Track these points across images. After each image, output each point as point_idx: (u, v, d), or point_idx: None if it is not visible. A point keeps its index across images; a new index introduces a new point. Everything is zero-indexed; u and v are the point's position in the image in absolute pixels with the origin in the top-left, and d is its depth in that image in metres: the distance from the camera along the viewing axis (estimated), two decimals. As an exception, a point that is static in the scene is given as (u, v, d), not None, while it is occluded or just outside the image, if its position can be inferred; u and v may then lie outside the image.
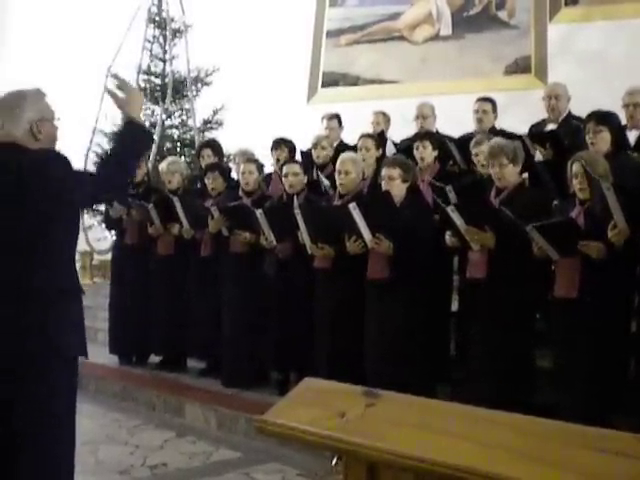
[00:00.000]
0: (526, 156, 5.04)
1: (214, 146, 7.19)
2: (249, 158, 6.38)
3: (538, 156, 5.52)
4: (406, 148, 6.18)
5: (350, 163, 5.45)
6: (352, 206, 4.95)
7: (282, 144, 6.69)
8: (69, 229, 2.95)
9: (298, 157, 6.80)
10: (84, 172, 3.14)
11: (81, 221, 3.18)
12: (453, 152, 6.07)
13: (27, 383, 2.75)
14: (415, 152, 5.82)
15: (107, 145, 10.50)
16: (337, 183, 5.53)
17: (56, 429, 2.82)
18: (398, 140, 6.84)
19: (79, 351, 2.92)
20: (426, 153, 5.80)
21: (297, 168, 5.94)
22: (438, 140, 6.01)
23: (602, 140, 4.91)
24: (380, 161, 5.89)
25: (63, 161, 2.86)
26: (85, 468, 4.18)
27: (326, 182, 6.16)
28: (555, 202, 4.82)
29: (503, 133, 5.85)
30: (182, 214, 6.46)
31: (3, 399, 2.77)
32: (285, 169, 5.94)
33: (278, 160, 6.59)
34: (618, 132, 5.04)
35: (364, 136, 6.16)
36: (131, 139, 3.02)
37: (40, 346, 2.76)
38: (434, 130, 6.62)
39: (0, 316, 2.76)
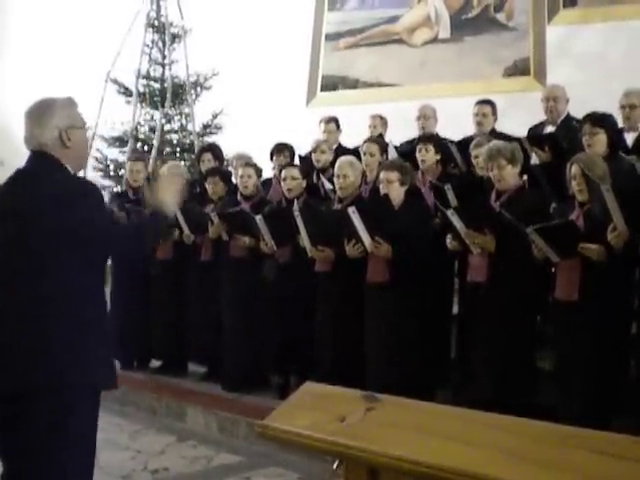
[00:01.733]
0: (525, 159, 5.04)
1: (214, 150, 7.19)
2: (247, 162, 6.38)
3: (534, 159, 5.53)
4: (408, 151, 6.17)
5: (348, 167, 5.46)
6: (351, 210, 4.96)
7: (284, 149, 6.70)
8: (93, 261, 2.87)
9: (296, 161, 6.81)
10: (108, 219, 3.06)
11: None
12: (454, 155, 6.07)
13: (34, 424, 2.70)
14: (417, 154, 5.82)
15: (106, 150, 10.51)
16: (336, 187, 5.54)
17: (71, 463, 2.79)
18: (397, 143, 6.84)
19: (106, 384, 2.87)
20: (428, 156, 5.79)
21: (295, 172, 5.94)
22: (441, 143, 6.02)
23: (598, 142, 4.92)
24: (381, 165, 5.91)
25: (88, 198, 2.81)
26: (86, 473, 4.17)
27: (328, 185, 6.16)
28: (553, 205, 4.82)
29: (503, 136, 5.86)
30: (182, 221, 6.45)
31: (16, 430, 2.72)
32: (284, 173, 5.94)
33: (280, 165, 6.58)
34: (614, 134, 5.05)
35: (368, 141, 6.15)
36: (152, 231, 3.04)
37: (48, 384, 2.70)
38: (435, 132, 6.62)
39: (22, 349, 2.71)
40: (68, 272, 2.75)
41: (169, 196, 3.00)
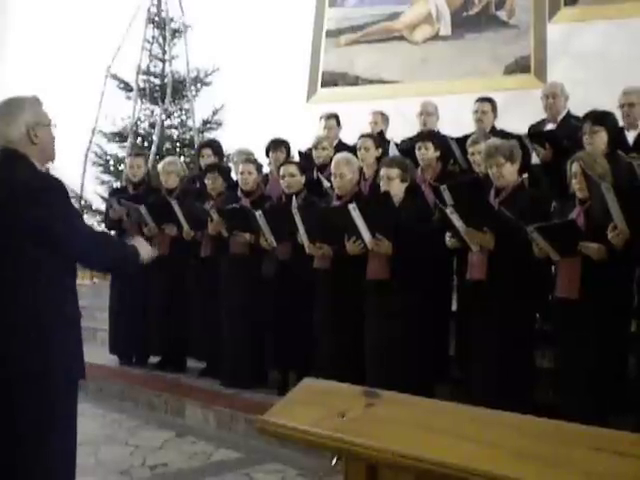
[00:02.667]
0: (525, 156, 5.04)
1: (214, 146, 7.20)
2: (248, 158, 6.38)
3: (535, 158, 5.53)
4: (408, 149, 6.17)
5: (344, 165, 5.45)
6: (352, 206, 4.95)
7: (281, 145, 6.70)
8: (65, 258, 2.94)
9: (296, 158, 6.81)
10: (70, 216, 2.99)
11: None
12: (454, 151, 6.07)
13: (26, 407, 2.79)
14: (417, 152, 5.82)
15: (106, 146, 10.51)
16: (334, 185, 5.54)
17: (54, 451, 2.86)
18: (398, 140, 6.84)
19: (78, 374, 2.96)
20: (428, 153, 5.79)
21: (294, 169, 5.93)
22: (440, 140, 6.01)
23: (599, 140, 4.92)
24: (380, 161, 5.90)
25: (51, 193, 2.86)
26: (85, 468, 4.17)
27: (327, 183, 6.16)
28: (554, 203, 4.82)
29: (503, 133, 5.86)
30: (182, 217, 6.45)
31: (5, 415, 2.81)
32: (282, 170, 5.93)
33: (277, 161, 6.60)
34: (615, 132, 5.05)
35: (363, 136, 6.15)
36: (122, 252, 3.15)
37: (40, 371, 2.80)
38: (436, 129, 6.62)
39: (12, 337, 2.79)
40: (37, 268, 2.82)
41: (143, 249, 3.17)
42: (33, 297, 2.81)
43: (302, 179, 5.95)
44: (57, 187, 2.91)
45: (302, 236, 5.41)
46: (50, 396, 2.81)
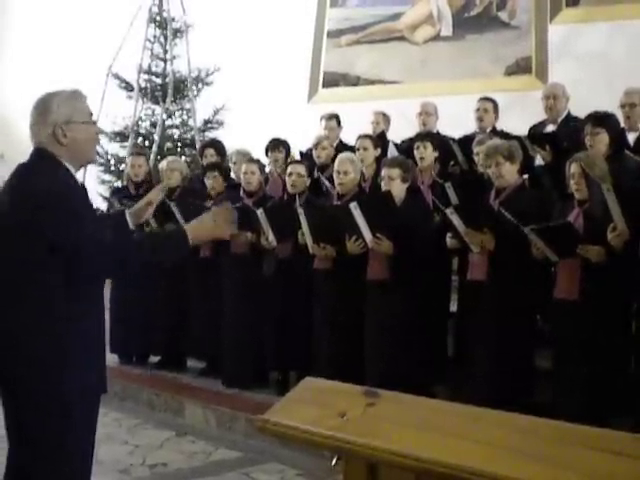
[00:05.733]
0: (526, 158, 5.04)
1: (217, 146, 7.19)
2: (251, 158, 6.38)
3: (538, 160, 5.53)
4: (407, 149, 6.18)
5: (348, 163, 5.47)
6: (353, 205, 4.95)
7: (280, 145, 6.70)
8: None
9: (297, 158, 6.81)
10: (80, 229, 2.69)
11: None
12: (455, 152, 6.06)
13: (41, 424, 2.69)
14: (415, 152, 5.82)
15: (107, 145, 10.49)
16: (336, 183, 5.54)
17: (70, 466, 2.82)
18: (399, 140, 6.84)
19: (98, 390, 2.85)
20: (426, 154, 5.80)
21: (302, 169, 5.92)
22: (439, 141, 6.01)
23: (600, 142, 4.91)
24: (379, 160, 5.91)
25: (62, 204, 2.64)
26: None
27: (327, 183, 6.17)
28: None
29: (503, 134, 5.86)
30: (181, 220, 6.43)
31: (15, 440, 2.73)
32: (290, 168, 5.93)
33: (276, 161, 6.61)
34: (616, 133, 5.04)
35: (362, 137, 6.17)
36: (168, 249, 2.92)
37: (56, 388, 2.67)
38: (435, 130, 6.62)
39: (18, 356, 2.67)
40: (54, 280, 2.65)
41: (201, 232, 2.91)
42: (48, 312, 2.65)
43: (307, 180, 5.95)
44: (68, 198, 2.68)
45: (306, 236, 5.40)
46: (66, 412, 2.68)
